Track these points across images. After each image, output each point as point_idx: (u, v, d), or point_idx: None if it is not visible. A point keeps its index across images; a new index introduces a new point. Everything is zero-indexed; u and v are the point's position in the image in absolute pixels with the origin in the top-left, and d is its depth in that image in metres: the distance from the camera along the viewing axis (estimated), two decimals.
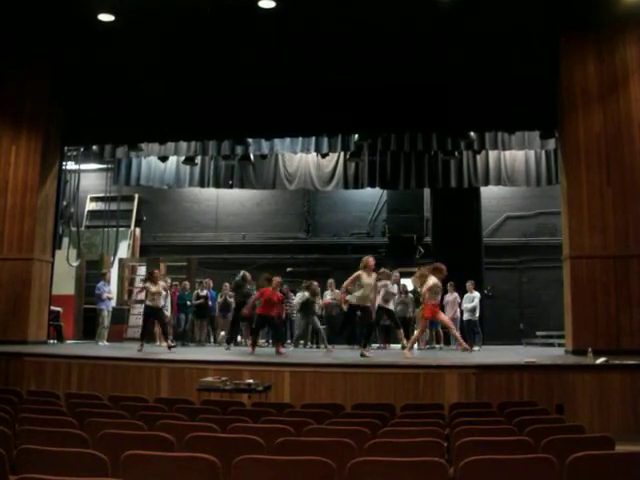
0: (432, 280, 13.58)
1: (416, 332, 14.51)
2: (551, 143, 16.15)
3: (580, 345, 12.87)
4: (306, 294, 17.03)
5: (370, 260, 14.08)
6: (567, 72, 14.23)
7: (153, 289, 15.13)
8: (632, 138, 13.65)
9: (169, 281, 18.67)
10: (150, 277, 15.45)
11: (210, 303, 18.70)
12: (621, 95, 13.89)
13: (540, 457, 4.88)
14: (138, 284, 22.23)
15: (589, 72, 14.12)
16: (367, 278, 13.91)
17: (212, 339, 19.21)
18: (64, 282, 19.61)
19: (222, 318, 18.86)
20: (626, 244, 13.43)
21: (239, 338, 19.00)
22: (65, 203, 21.13)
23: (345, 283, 14.31)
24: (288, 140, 17.52)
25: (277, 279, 15.35)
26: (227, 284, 18.95)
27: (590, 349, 12.21)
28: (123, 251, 23.23)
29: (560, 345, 16.11)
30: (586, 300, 13.43)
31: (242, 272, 17.59)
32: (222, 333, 19.17)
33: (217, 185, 20.74)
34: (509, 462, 4.73)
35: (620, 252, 13.43)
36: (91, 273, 21.07)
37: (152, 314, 15.58)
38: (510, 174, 18.89)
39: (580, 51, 14.22)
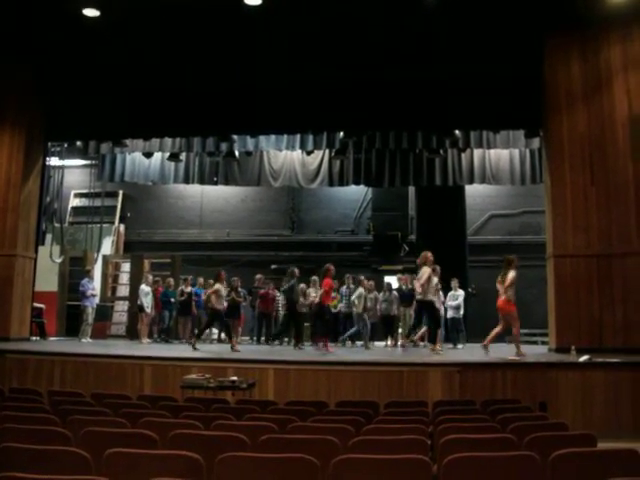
0: (512, 274, 13.01)
1: (514, 329, 13.58)
2: (536, 142, 16.21)
3: (563, 343, 12.94)
4: (361, 290, 16.94)
5: (430, 255, 14.26)
6: (552, 72, 14.30)
7: (223, 291, 15.29)
8: (615, 139, 13.71)
9: (150, 278, 18.61)
10: (218, 278, 15.38)
11: (196, 299, 18.65)
12: (605, 96, 13.94)
13: (523, 454, 4.90)
14: (123, 280, 22.22)
15: (573, 72, 14.18)
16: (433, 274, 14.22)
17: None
18: (47, 278, 19.51)
19: (206, 315, 18.79)
20: (609, 243, 13.50)
21: (222, 335, 19.00)
22: (48, 199, 21.03)
23: (423, 285, 14.13)
24: (273, 137, 17.50)
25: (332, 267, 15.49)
26: (211, 281, 18.91)
27: (573, 347, 12.29)
28: (107, 247, 23.15)
29: (543, 343, 16.19)
30: (569, 298, 13.50)
31: (293, 270, 17.21)
32: (206, 331, 19.10)
33: (202, 182, 20.67)
34: (492, 459, 4.74)
35: (603, 251, 13.50)
36: (74, 270, 20.97)
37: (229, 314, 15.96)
38: (495, 173, 18.95)
39: (565, 51, 14.28)
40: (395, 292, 17.61)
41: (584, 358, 11.41)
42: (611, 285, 13.35)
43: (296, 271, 16.92)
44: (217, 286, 15.14)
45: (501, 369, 11.06)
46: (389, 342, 17.41)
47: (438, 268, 15.37)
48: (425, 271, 13.99)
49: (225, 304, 15.46)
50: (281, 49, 14.95)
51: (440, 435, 5.79)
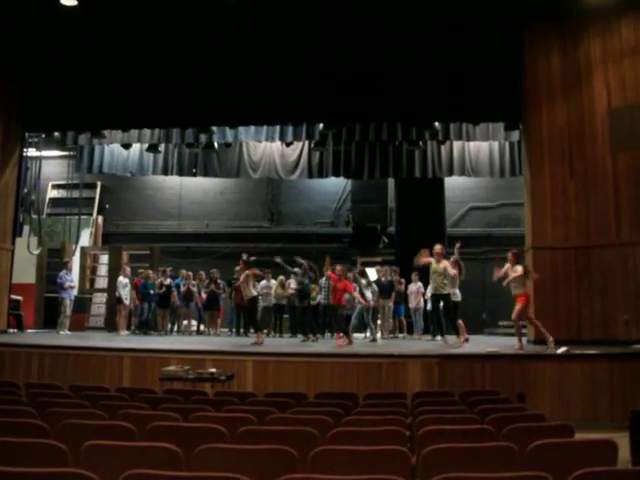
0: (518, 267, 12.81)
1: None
2: (515, 135, 16.27)
3: (542, 335, 13.01)
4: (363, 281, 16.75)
5: (436, 247, 14.06)
6: (532, 65, 14.36)
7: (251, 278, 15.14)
8: (594, 131, 13.80)
9: (128, 269, 18.58)
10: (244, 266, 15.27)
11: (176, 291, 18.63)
12: (584, 89, 14.02)
13: (501, 445, 4.93)
14: (102, 272, 22.09)
15: (553, 65, 14.26)
16: (435, 265, 13.91)
17: (176, 328, 19.12)
18: (25, 270, 19.36)
19: (185, 307, 18.77)
20: (587, 236, 13.60)
21: (202, 327, 18.94)
22: (26, 190, 20.86)
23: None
24: (252, 128, 17.45)
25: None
26: (190, 273, 18.88)
27: (551, 339, 12.35)
28: (85, 239, 23.00)
29: (522, 335, 16.25)
30: (548, 291, 13.60)
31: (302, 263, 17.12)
32: (185, 322, 19.09)
33: (181, 173, 20.58)
34: (471, 450, 4.76)
35: (581, 243, 13.62)
36: (52, 261, 20.81)
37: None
38: (474, 165, 19.00)
39: (545, 44, 14.34)
40: (374, 284, 17.60)
41: (562, 350, 11.48)
42: (589, 277, 13.46)
43: (305, 263, 16.88)
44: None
45: (480, 361, 11.11)
46: (368, 334, 17.41)
47: (452, 258, 15.17)
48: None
49: (254, 291, 15.19)
50: (261, 41, 14.89)
51: (419, 426, 5.81)
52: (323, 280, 17.09)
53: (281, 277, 18.04)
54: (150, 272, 18.78)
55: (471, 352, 12.05)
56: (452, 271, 13.99)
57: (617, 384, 10.74)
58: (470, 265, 22.23)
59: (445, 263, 13.89)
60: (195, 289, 18.67)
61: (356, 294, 15.88)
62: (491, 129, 16.65)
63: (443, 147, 18.91)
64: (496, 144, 18.53)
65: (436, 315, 15.29)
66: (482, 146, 18.72)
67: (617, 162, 13.50)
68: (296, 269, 16.87)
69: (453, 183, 21.89)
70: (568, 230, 13.77)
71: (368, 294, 16.26)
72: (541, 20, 14.29)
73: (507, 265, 12.96)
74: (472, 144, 18.61)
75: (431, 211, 20.54)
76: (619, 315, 13.01)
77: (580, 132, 13.93)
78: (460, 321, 14.49)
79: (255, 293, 15.08)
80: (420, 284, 17.32)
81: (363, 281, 16.41)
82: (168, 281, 18.43)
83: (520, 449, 4.73)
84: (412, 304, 17.44)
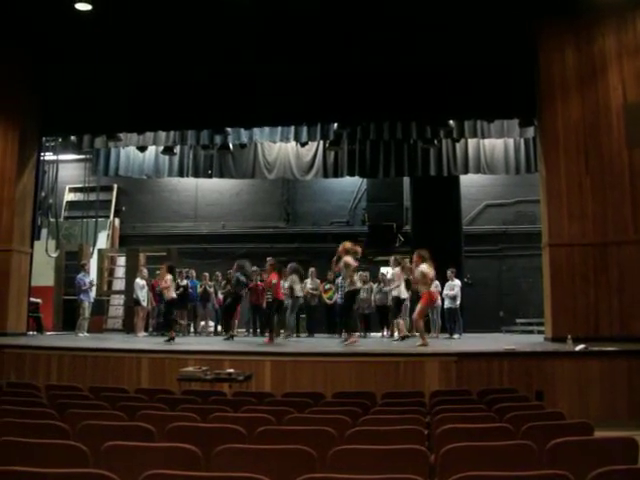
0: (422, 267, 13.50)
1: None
2: (530, 131, 16.23)
3: (559, 332, 12.97)
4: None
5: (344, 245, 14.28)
6: (546, 61, 14.29)
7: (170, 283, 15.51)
8: (610, 127, 13.72)
9: (145, 271, 18.66)
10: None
11: (191, 291, 18.68)
12: (599, 84, 13.95)
13: (520, 443, 4.91)
14: (119, 274, 22.21)
15: (567, 61, 14.19)
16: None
17: (193, 329, 19.19)
18: (43, 273, 19.50)
19: (202, 308, 18.84)
20: (604, 232, 13.52)
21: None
22: (43, 194, 20.97)
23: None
24: (267, 129, 17.50)
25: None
26: (206, 274, 18.95)
27: (569, 336, 12.32)
28: (102, 241, 23.15)
29: (539, 332, 16.23)
30: (565, 288, 13.52)
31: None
32: (202, 323, 19.15)
33: (196, 175, 20.66)
34: (489, 449, 4.76)
35: (598, 240, 13.53)
36: (70, 264, 20.95)
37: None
38: (489, 162, 18.97)
39: (559, 40, 14.27)
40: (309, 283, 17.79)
41: (580, 347, 11.43)
42: (607, 274, 13.37)
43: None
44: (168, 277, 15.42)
45: (497, 359, 11.06)
46: (385, 332, 17.42)
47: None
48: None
49: (174, 294, 15.53)
50: (275, 41, 14.91)
51: (437, 425, 5.80)
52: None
53: (292, 276, 18.06)
54: None
55: (489, 350, 12.01)
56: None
57: (636, 381, 10.67)
58: (487, 263, 22.29)
59: (345, 259, 14.02)
60: (212, 290, 18.74)
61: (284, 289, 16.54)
62: (506, 126, 16.62)
63: (458, 145, 18.90)
64: (511, 141, 18.50)
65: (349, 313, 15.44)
66: (497, 143, 18.69)
67: (633, 157, 13.41)
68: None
69: (468, 181, 21.85)
70: (585, 226, 13.70)
71: (297, 290, 16.93)
72: (555, 16, 14.22)
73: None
74: (487, 141, 18.57)
75: (447, 209, 20.53)
76: (637, 311, 12.93)
77: (595, 127, 13.85)
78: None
79: (174, 295, 15.52)
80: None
81: (294, 276, 16.60)
82: (185, 282, 18.50)
83: (539, 447, 4.71)
84: None
